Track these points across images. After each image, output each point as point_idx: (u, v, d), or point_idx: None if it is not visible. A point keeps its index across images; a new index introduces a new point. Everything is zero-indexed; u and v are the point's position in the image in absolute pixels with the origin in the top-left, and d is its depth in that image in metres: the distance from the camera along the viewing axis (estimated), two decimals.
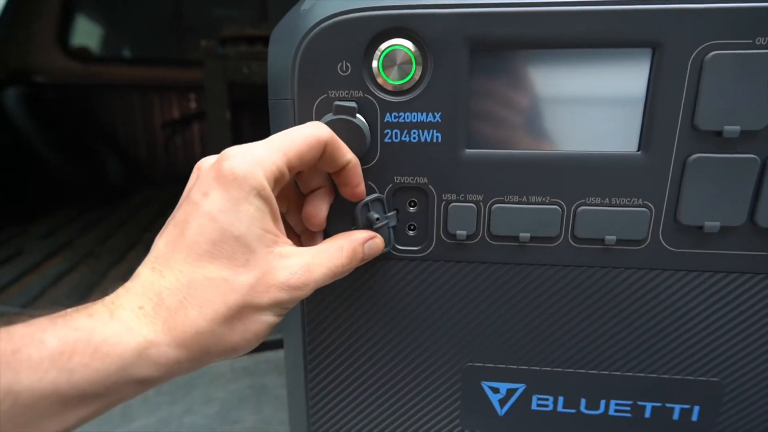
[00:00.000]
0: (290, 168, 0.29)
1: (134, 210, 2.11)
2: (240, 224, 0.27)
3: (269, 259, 0.28)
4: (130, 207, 2.15)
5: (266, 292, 0.27)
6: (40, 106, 2.25)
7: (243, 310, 0.27)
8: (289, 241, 0.30)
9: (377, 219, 0.34)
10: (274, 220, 0.29)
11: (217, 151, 0.30)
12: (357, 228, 0.34)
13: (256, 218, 0.27)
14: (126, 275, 0.28)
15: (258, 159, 0.28)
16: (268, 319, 0.28)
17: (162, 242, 0.28)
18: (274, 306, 0.28)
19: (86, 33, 2.67)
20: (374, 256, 0.34)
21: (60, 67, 2.43)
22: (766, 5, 0.28)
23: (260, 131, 0.35)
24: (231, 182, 0.27)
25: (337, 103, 0.31)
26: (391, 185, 0.34)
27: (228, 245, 0.27)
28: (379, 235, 0.34)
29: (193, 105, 2.70)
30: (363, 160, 0.33)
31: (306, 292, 0.29)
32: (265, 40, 1.49)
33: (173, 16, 2.72)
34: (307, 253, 0.30)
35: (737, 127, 0.30)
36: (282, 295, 0.28)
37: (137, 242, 1.62)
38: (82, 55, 2.52)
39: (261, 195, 0.27)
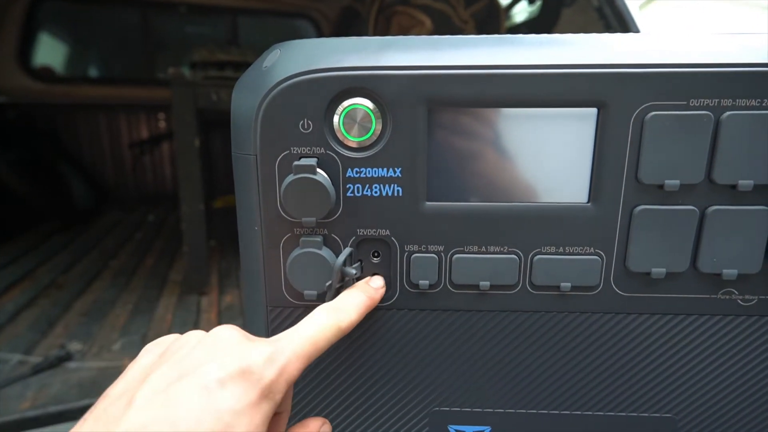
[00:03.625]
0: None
1: (101, 234, 2.04)
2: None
3: None
4: (96, 231, 2.08)
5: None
6: (0, 126, 2.16)
7: None
8: None
9: (354, 273, 0.34)
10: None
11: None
12: (331, 283, 0.34)
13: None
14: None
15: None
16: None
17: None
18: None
19: (50, 51, 2.60)
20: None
21: (21, 87, 2.35)
22: (698, 71, 0.31)
23: (231, 158, 0.35)
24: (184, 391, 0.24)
25: (296, 163, 0.32)
26: (354, 237, 0.35)
27: None
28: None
29: (162, 125, 2.66)
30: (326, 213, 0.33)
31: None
32: (234, 65, 1.49)
33: (142, 33, 2.68)
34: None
35: (677, 181, 0.32)
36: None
37: (103, 269, 1.57)
38: (45, 74, 2.45)
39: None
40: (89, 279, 1.51)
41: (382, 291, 0.35)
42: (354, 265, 0.35)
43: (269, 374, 0.25)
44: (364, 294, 0.34)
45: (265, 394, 0.25)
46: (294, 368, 0.26)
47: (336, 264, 0.34)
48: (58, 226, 2.09)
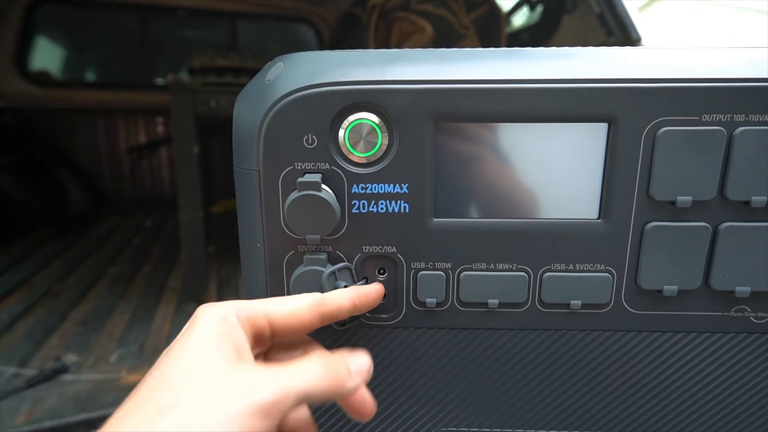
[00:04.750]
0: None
1: (98, 240, 2.02)
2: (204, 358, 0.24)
3: (235, 385, 0.23)
4: (93, 237, 2.07)
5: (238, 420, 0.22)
6: None
7: None
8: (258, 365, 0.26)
9: (345, 287, 0.33)
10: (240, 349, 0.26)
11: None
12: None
13: (217, 349, 0.24)
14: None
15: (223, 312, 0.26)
16: None
17: None
18: None
19: (48, 55, 2.58)
20: (365, 373, 0.29)
21: (18, 91, 2.34)
22: (711, 86, 0.30)
23: (231, 162, 0.35)
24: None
25: (301, 180, 0.31)
26: (359, 254, 0.34)
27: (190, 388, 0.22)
28: (362, 354, 0.29)
29: (160, 129, 2.64)
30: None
31: (280, 416, 0.24)
32: (234, 71, 1.48)
33: (141, 38, 2.67)
34: (276, 374, 0.25)
35: (689, 198, 0.31)
36: (256, 424, 0.22)
37: (100, 277, 1.55)
38: (42, 79, 2.43)
39: (225, 321, 0.26)
40: (86, 287, 1.49)
41: (375, 290, 0.33)
42: (358, 283, 0.34)
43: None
44: (350, 290, 0.32)
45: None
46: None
47: (323, 276, 0.33)
48: (54, 231, 2.08)
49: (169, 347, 0.26)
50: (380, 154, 0.32)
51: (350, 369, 0.28)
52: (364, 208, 0.33)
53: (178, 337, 0.26)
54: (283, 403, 0.23)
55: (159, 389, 0.23)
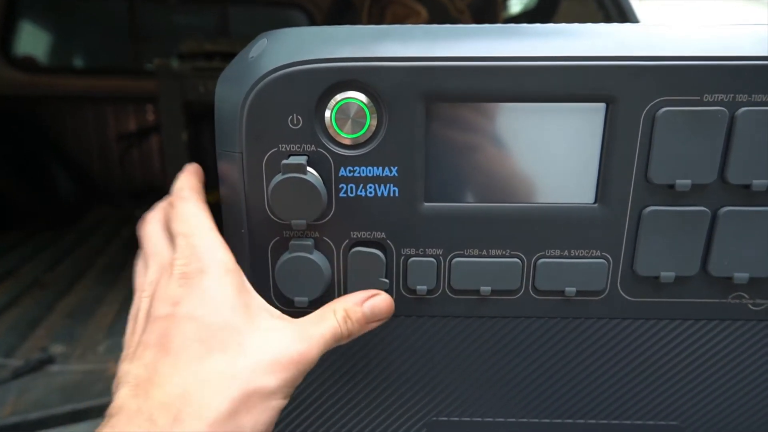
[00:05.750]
0: None
1: (87, 231, 1.99)
2: (222, 309, 0.26)
3: (262, 336, 0.27)
4: (82, 227, 2.03)
5: (270, 373, 0.25)
6: None
7: (249, 399, 0.25)
8: (274, 311, 0.29)
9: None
10: (248, 291, 0.29)
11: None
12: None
13: (232, 296, 0.27)
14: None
15: (210, 238, 0.28)
16: (277, 403, 0.26)
17: (138, 366, 0.26)
18: (282, 387, 0.26)
19: (34, 40, 2.52)
20: (383, 314, 0.31)
21: (2, 77, 2.28)
22: (713, 64, 0.29)
23: None
24: (197, 274, 0.27)
25: (285, 162, 0.30)
26: (347, 240, 0.33)
27: (217, 337, 0.26)
28: (383, 293, 0.32)
29: (150, 117, 2.60)
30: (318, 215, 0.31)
31: (308, 365, 0.27)
32: (223, 56, 1.45)
33: (129, 23, 2.61)
34: (300, 323, 0.28)
35: (688, 181, 0.30)
36: (287, 373, 0.26)
37: (89, 267, 1.52)
38: (28, 64, 2.37)
39: (228, 269, 0.28)
40: (74, 277, 1.46)
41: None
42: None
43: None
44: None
45: (212, 273, 0.28)
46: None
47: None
48: (42, 221, 2.04)
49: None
50: (369, 135, 0.31)
51: (366, 315, 0.30)
52: (352, 192, 0.32)
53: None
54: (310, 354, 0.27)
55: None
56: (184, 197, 0.32)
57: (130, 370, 0.26)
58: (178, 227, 0.30)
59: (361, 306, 0.31)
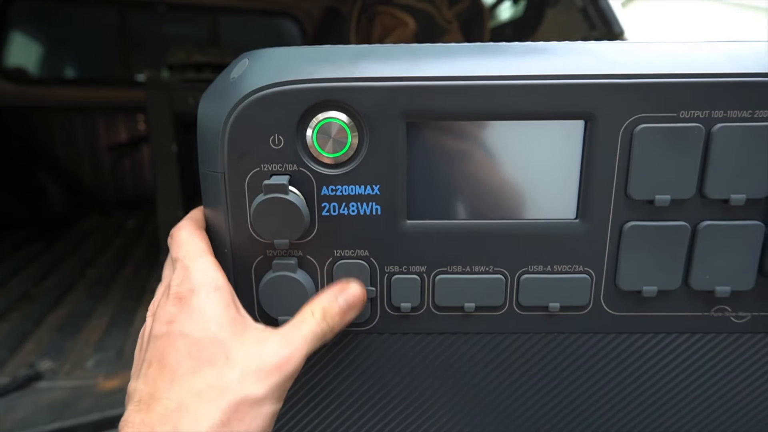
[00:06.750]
0: None
1: (77, 241, 1.97)
2: (209, 324, 0.28)
3: (246, 347, 0.28)
4: (72, 238, 2.01)
5: (257, 381, 0.27)
6: None
7: (239, 407, 0.26)
8: (258, 325, 0.30)
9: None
10: (235, 306, 0.30)
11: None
12: None
13: (220, 312, 0.28)
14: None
15: (202, 260, 0.30)
16: (268, 409, 0.27)
17: (141, 384, 0.27)
18: (271, 393, 0.27)
19: (24, 52, 2.50)
20: (358, 302, 0.32)
21: None
22: (688, 81, 0.29)
23: None
24: (188, 294, 0.28)
25: (267, 182, 0.30)
26: (330, 259, 0.33)
27: (206, 351, 0.27)
28: (353, 280, 0.32)
29: (141, 126, 2.58)
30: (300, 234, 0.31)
31: (294, 369, 0.28)
32: (213, 67, 1.45)
33: (120, 33, 2.60)
34: (282, 330, 0.30)
35: (667, 196, 0.31)
36: (273, 379, 0.27)
37: (79, 280, 1.50)
38: (18, 76, 2.36)
39: (217, 287, 0.29)
40: (64, 290, 1.44)
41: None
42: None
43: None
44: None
45: (201, 292, 0.30)
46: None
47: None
48: (32, 232, 2.02)
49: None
50: (350, 154, 0.31)
51: (342, 308, 0.31)
52: (334, 211, 0.32)
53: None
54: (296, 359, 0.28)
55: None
56: (180, 225, 0.34)
57: (136, 387, 0.28)
58: (174, 253, 0.32)
59: (336, 300, 0.31)
